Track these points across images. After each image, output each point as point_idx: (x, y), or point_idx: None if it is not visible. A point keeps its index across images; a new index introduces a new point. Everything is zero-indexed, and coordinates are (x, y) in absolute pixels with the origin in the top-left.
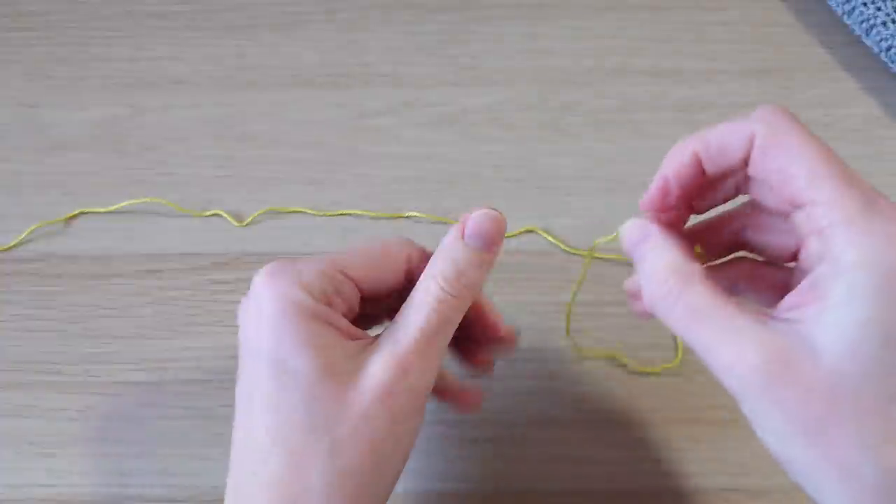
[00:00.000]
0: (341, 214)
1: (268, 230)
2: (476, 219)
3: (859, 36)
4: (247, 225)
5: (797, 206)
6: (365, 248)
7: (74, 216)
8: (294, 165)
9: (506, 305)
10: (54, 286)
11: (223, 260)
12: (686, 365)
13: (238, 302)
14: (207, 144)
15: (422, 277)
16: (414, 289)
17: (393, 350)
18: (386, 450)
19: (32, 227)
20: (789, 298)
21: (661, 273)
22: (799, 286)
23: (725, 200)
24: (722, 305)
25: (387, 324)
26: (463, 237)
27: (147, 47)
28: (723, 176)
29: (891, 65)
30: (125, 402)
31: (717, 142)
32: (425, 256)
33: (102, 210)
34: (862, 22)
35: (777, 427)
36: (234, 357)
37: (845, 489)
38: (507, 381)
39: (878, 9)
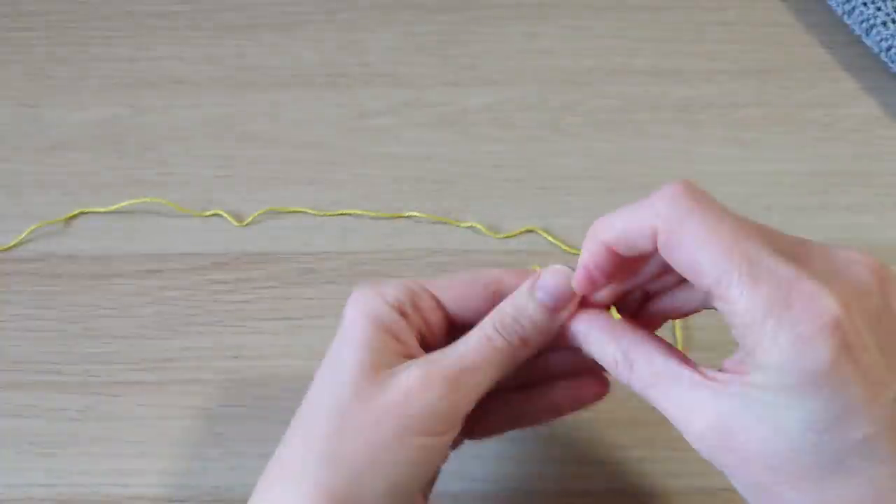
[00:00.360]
0: (341, 214)
1: (268, 230)
2: (549, 272)
3: (859, 36)
4: (247, 225)
5: (712, 297)
6: (456, 273)
7: (74, 216)
8: (294, 165)
9: None
10: (54, 286)
11: (223, 260)
12: None
13: (238, 302)
14: (207, 144)
15: (488, 315)
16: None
17: (423, 366)
18: (382, 457)
19: (32, 227)
20: (729, 361)
21: (608, 361)
22: (733, 356)
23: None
24: (667, 375)
25: None
26: (534, 287)
27: (147, 47)
28: (644, 257)
29: (891, 65)
30: (125, 402)
31: (624, 236)
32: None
33: (102, 210)
34: (862, 22)
35: (733, 482)
36: (234, 357)
37: None
38: None
39: (878, 9)
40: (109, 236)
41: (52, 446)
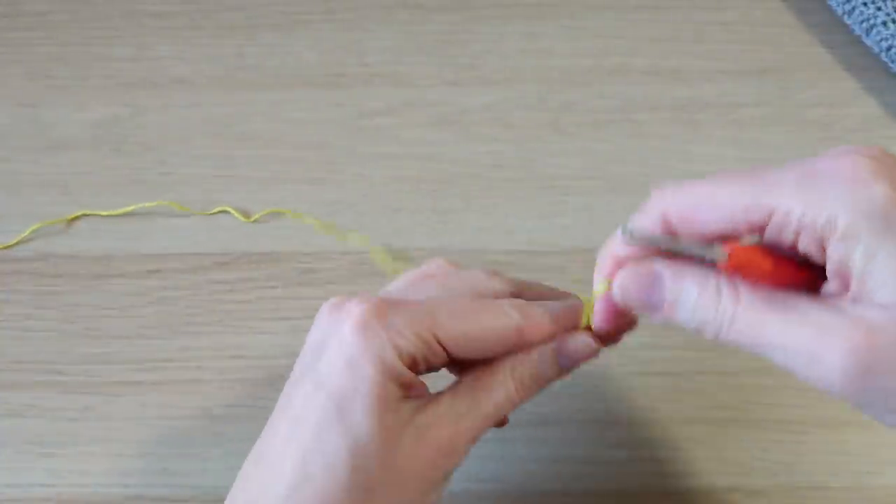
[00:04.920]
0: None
1: (268, 230)
2: (577, 342)
3: (859, 36)
4: (253, 221)
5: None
6: (469, 309)
7: (76, 218)
8: (294, 165)
9: None
10: (54, 286)
11: (224, 260)
12: (686, 364)
13: (239, 301)
14: (207, 144)
15: (505, 365)
16: (493, 370)
17: (450, 426)
18: None
19: (33, 227)
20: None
21: (705, 306)
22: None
23: None
24: (781, 303)
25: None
26: (558, 351)
27: (147, 47)
28: None
29: (891, 65)
30: (125, 402)
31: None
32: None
33: (104, 213)
34: (862, 22)
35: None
36: (234, 357)
37: None
38: None
39: (878, 9)
40: (110, 236)
41: (52, 446)
